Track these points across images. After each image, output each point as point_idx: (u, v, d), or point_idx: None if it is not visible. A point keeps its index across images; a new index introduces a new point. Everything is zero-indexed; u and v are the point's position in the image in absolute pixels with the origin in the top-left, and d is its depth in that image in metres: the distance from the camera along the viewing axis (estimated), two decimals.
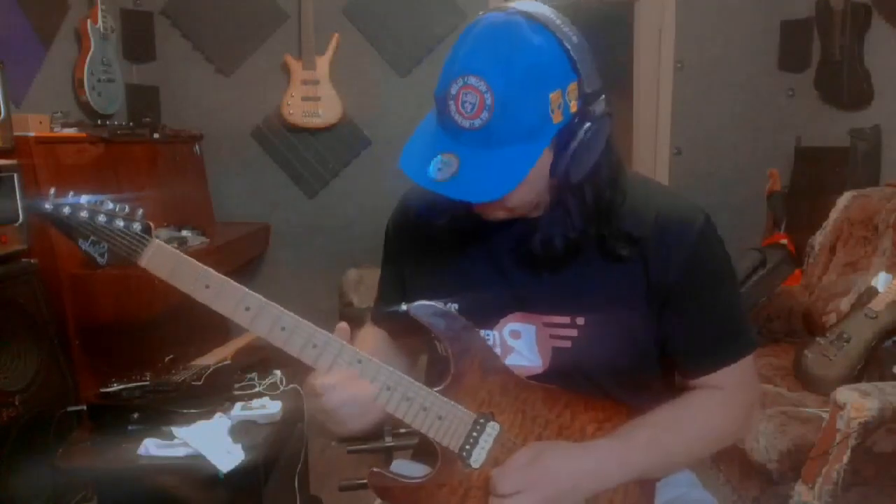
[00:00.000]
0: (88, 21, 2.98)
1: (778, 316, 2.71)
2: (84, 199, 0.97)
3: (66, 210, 0.96)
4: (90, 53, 2.98)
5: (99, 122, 2.96)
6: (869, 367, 2.11)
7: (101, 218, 0.96)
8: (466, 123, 0.88)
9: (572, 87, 0.89)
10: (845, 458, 1.69)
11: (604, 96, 0.93)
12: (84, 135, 2.62)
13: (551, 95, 0.88)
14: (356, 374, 0.96)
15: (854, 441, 1.68)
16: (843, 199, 2.75)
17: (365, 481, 1.08)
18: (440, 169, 0.89)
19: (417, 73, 3.58)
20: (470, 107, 0.87)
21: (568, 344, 1.02)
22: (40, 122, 2.41)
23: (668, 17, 3.58)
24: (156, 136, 3.11)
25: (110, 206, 0.97)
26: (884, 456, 1.72)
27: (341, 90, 3.52)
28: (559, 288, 1.02)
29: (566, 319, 1.02)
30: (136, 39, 3.48)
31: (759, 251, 2.82)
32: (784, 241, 3.22)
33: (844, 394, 1.72)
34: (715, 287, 1.03)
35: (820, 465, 1.74)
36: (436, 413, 1.00)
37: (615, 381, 1.04)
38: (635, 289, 1.00)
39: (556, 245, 0.99)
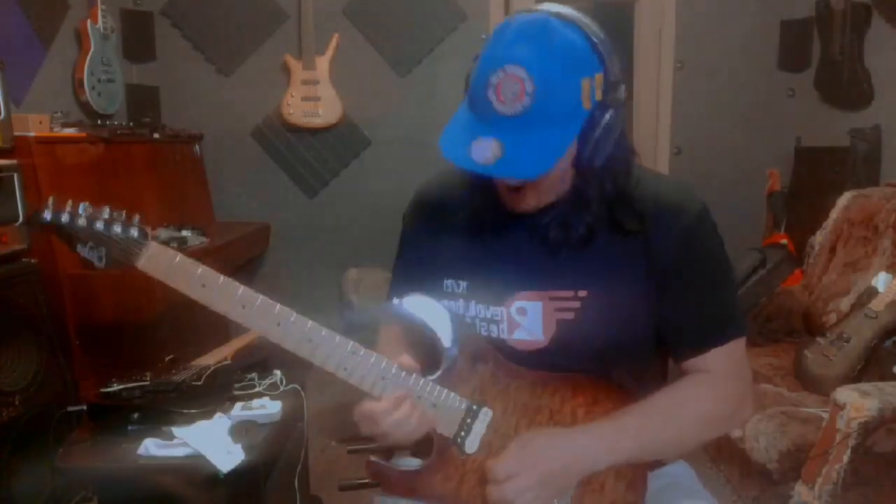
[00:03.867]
0: (88, 21, 2.98)
1: (778, 316, 2.71)
2: (81, 206, 1.01)
3: (65, 218, 1.00)
4: (90, 53, 2.98)
5: (99, 122, 2.96)
6: (869, 367, 2.11)
7: (99, 224, 0.99)
8: (509, 111, 0.93)
9: (599, 77, 0.96)
10: (845, 458, 1.70)
11: (623, 86, 0.99)
12: (84, 135, 2.62)
13: (583, 81, 0.94)
14: (407, 396, 1.01)
15: (854, 441, 1.68)
16: (843, 199, 2.75)
17: (365, 481, 1.09)
18: (484, 153, 0.94)
19: (417, 73, 3.57)
20: (511, 94, 0.92)
21: (570, 316, 1.06)
22: (40, 122, 2.41)
23: (668, 17, 3.58)
24: (156, 136, 3.11)
25: (107, 212, 1.01)
26: (884, 456, 1.72)
27: (341, 90, 3.52)
28: (567, 263, 1.07)
29: (570, 293, 1.06)
30: (136, 39, 3.48)
31: (759, 251, 2.81)
32: (784, 241, 3.22)
33: (844, 394, 1.73)
34: (707, 271, 1.07)
35: (820, 465, 1.74)
36: (430, 402, 1.04)
37: (613, 357, 1.07)
38: (636, 265, 1.05)
39: (577, 231, 1.04)
